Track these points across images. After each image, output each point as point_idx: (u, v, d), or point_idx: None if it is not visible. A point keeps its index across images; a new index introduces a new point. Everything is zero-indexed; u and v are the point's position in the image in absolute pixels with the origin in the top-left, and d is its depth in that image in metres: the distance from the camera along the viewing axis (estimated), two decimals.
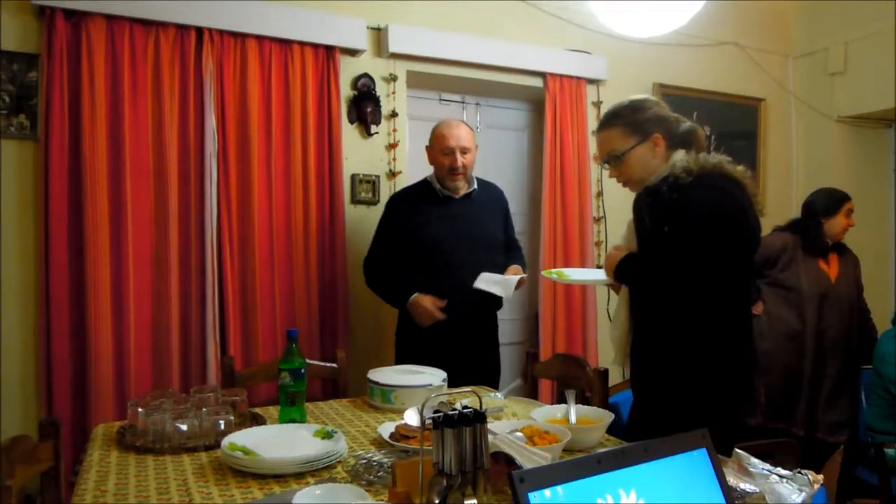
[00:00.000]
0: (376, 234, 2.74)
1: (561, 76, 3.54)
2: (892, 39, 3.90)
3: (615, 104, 1.97)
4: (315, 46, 2.95)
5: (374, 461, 1.52)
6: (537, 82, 3.53)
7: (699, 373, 1.80)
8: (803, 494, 1.09)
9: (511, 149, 3.79)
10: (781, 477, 1.16)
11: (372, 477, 1.44)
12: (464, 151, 2.59)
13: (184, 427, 1.69)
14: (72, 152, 2.54)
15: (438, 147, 2.62)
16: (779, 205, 4.32)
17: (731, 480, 1.07)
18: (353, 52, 3.08)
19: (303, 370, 1.83)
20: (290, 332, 1.86)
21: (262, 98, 2.85)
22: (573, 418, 1.72)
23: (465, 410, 1.19)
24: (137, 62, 2.64)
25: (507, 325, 3.57)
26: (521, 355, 2.61)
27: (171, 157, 2.68)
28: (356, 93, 3.09)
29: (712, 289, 1.76)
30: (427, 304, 2.54)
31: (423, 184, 2.73)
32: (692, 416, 1.69)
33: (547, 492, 0.73)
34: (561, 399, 1.94)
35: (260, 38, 2.85)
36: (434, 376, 2.13)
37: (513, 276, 2.58)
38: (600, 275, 2.14)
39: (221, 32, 2.77)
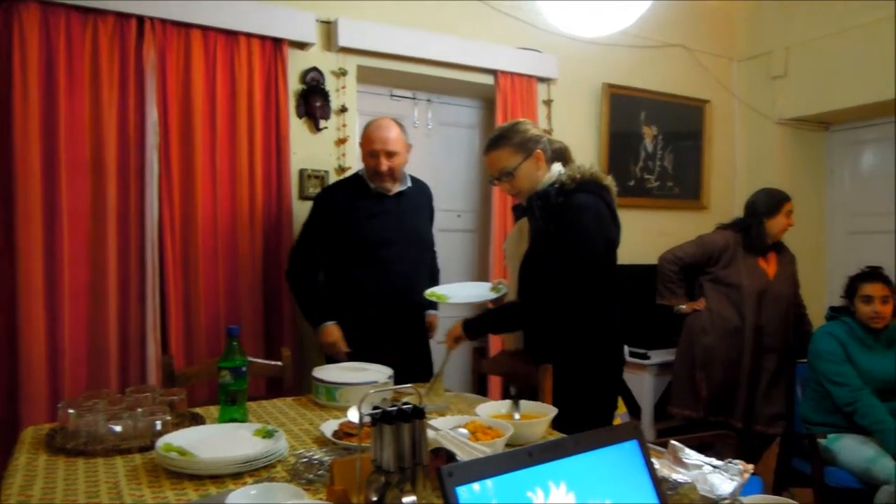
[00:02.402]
0: (305, 227, 2.70)
1: (512, 74, 3.56)
2: (831, 46, 4.05)
3: (498, 128, 2.24)
4: (262, 39, 2.89)
5: (315, 459, 1.50)
6: (488, 80, 3.54)
7: (575, 356, 2.08)
8: (734, 483, 1.12)
9: (462, 146, 3.79)
10: (714, 467, 1.18)
11: (312, 476, 1.42)
12: (390, 155, 2.56)
13: (118, 428, 1.64)
14: (1, 145, 2.43)
15: (365, 148, 2.61)
16: (722, 203, 4.45)
17: (665, 471, 1.08)
18: (301, 46, 3.03)
19: (244, 368, 1.79)
20: (230, 329, 1.81)
21: (207, 91, 2.78)
22: (517, 414, 1.72)
23: (404, 407, 1.18)
24: (74, 52, 2.55)
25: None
26: (469, 352, 2.61)
27: (109, 150, 2.59)
28: (305, 87, 3.05)
29: (590, 280, 2.04)
30: (337, 338, 2.58)
31: (356, 179, 2.70)
32: (573, 397, 1.99)
33: (476, 486, 0.73)
34: (508, 395, 1.96)
35: (205, 29, 2.78)
36: (380, 373, 2.11)
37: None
38: (483, 293, 2.35)
39: (164, 22, 2.69)
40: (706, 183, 4.42)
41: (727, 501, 1.09)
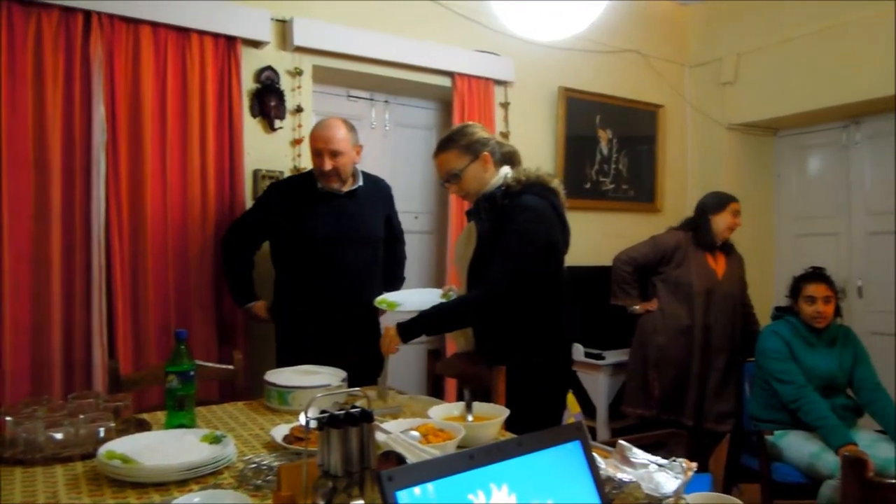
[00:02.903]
0: (249, 212, 2.75)
1: (469, 76, 3.57)
2: (778, 54, 4.17)
3: (446, 131, 2.27)
4: (215, 36, 2.84)
5: (264, 465, 1.48)
6: (446, 82, 3.54)
7: (524, 357, 2.10)
8: (678, 482, 1.14)
9: (420, 148, 3.79)
10: (660, 466, 1.20)
11: (260, 481, 1.39)
12: (334, 154, 2.55)
13: (59, 436, 1.58)
14: None
15: (311, 148, 2.60)
16: (675, 205, 4.54)
17: (611, 471, 1.10)
18: (256, 44, 2.99)
19: (192, 373, 1.75)
20: (178, 332, 1.77)
21: (157, 88, 2.72)
22: (470, 416, 1.72)
23: (352, 410, 1.17)
24: (16, 46, 2.46)
25: None
26: (423, 355, 2.61)
27: (53, 147, 2.51)
28: (259, 86, 3.00)
29: (536, 280, 2.06)
30: (261, 314, 2.73)
31: (308, 176, 2.68)
32: (524, 398, 2.01)
33: (416, 489, 0.72)
34: (462, 397, 1.95)
35: (155, 25, 2.71)
36: (333, 376, 2.09)
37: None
38: (434, 300, 2.34)
39: (112, 17, 2.62)
40: (660, 186, 4.50)
41: (671, 499, 1.11)
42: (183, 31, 2.77)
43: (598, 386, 3.58)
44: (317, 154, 2.57)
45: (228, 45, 2.87)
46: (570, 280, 3.78)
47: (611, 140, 4.27)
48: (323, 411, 1.18)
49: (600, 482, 0.88)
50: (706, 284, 3.23)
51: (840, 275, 4.13)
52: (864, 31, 3.74)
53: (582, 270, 3.78)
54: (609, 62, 4.24)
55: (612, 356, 3.55)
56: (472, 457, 0.78)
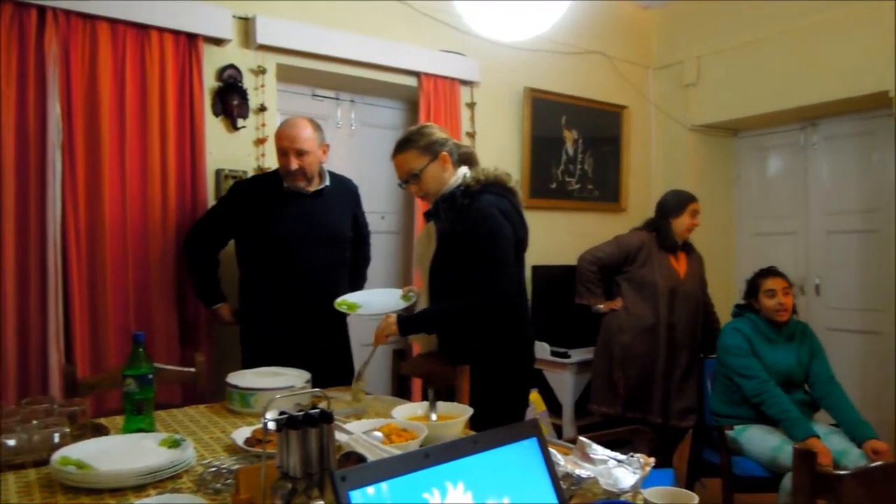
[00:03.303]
0: (212, 211, 2.71)
1: (435, 76, 3.57)
2: (738, 57, 4.26)
3: (405, 131, 2.28)
4: (176, 34, 2.79)
5: (224, 468, 1.46)
6: (412, 81, 3.54)
7: (488, 355, 2.11)
8: (636, 477, 1.15)
9: (386, 147, 3.69)
10: (619, 461, 1.22)
11: (219, 485, 1.37)
12: (300, 153, 2.53)
13: (11, 442, 1.54)
14: None
15: (277, 147, 2.58)
16: (639, 205, 4.60)
17: (570, 467, 1.11)
18: (218, 42, 2.95)
19: (150, 376, 1.72)
20: (136, 335, 1.74)
21: (115, 86, 2.66)
22: (434, 415, 1.72)
23: (312, 411, 1.16)
24: None
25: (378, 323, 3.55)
26: (389, 354, 2.60)
27: (7, 147, 2.44)
28: (221, 84, 2.96)
29: (498, 276, 2.07)
30: (226, 317, 2.71)
31: (273, 176, 2.66)
32: (487, 397, 2.01)
33: (370, 489, 0.72)
34: (427, 397, 1.95)
35: (113, 22, 2.65)
36: (297, 378, 2.07)
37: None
38: (395, 302, 2.38)
39: (67, 13, 2.55)
40: (624, 186, 4.56)
41: (629, 494, 1.13)
42: (142, 28, 2.71)
43: (564, 384, 3.61)
44: (282, 153, 2.55)
45: (189, 42, 2.82)
46: (537, 279, 3.84)
47: (576, 140, 4.31)
48: (282, 413, 1.17)
49: (557, 478, 0.88)
50: (670, 284, 3.28)
51: (798, 273, 4.23)
52: (820, 36, 3.84)
53: (548, 269, 3.82)
54: (574, 63, 4.28)
55: (578, 355, 3.59)
56: (428, 455, 0.78)
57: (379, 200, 3.69)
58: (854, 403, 2.81)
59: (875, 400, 3.85)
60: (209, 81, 2.94)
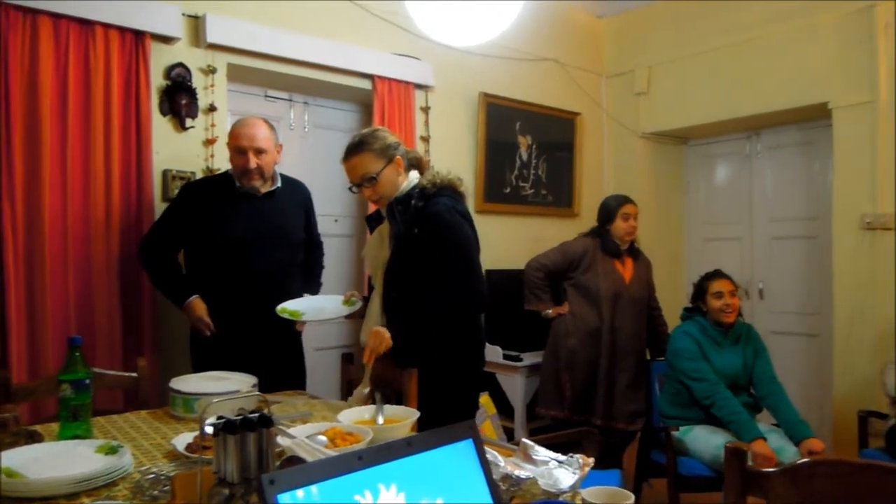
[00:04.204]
0: (163, 217, 2.61)
1: (389, 79, 3.57)
2: (687, 67, 4.37)
3: (357, 134, 2.24)
4: (122, 30, 2.72)
5: (163, 475, 1.42)
6: (366, 84, 3.53)
7: (440, 359, 2.13)
8: (575, 477, 1.17)
9: (340, 150, 3.68)
10: (559, 462, 1.23)
11: (157, 492, 1.34)
12: (259, 152, 2.51)
13: None
14: None
15: (232, 146, 2.54)
16: (592, 210, 4.63)
17: (509, 468, 1.11)
18: (166, 40, 2.89)
19: (87, 381, 1.67)
20: (71, 339, 1.69)
21: (57, 83, 2.58)
22: (381, 419, 1.71)
23: (251, 415, 1.14)
24: None
25: (329, 328, 3.54)
26: (336, 358, 2.58)
27: None
28: (169, 83, 2.90)
29: (474, 275, 2.12)
30: (202, 312, 2.50)
31: (224, 177, 2.62)
32: (438, 400, 2.04)
33: (300, 492, 0.71)
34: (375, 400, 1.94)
35: (55, 17, 2.58)
36: (242, 382, 2.04)
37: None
38: (338, 308, 2.38)
39: (6, 6, 2.47)
40: (577, 191, 4.63)
41: (567, 494, 1.14)
42: (86, 24, 2.64)
43: (516, 387, 3.64)
44: (240, 152, 2.51)
45: (136, 39, 2.76)
46: (490, 283, 3.85)
47: (530, 146, 4.35)
48: (221, 417, 1.15)
49: (492, 479, 0.89)
50: (613, 288, 3.34)
51: (743, 277, 4.36)
52: (765, 49, 3.97)
53: (501, 273, 3.84)
54: (529, 70, 4.32)
55: (530, 358, 3.62)
56: (361, 458, 0.78)
57: (333, 203, 3.67)
58: (795, 403, 2.91)
59: (815, 399, 3.99)
60: (157, 80, 2.88)
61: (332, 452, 1.32)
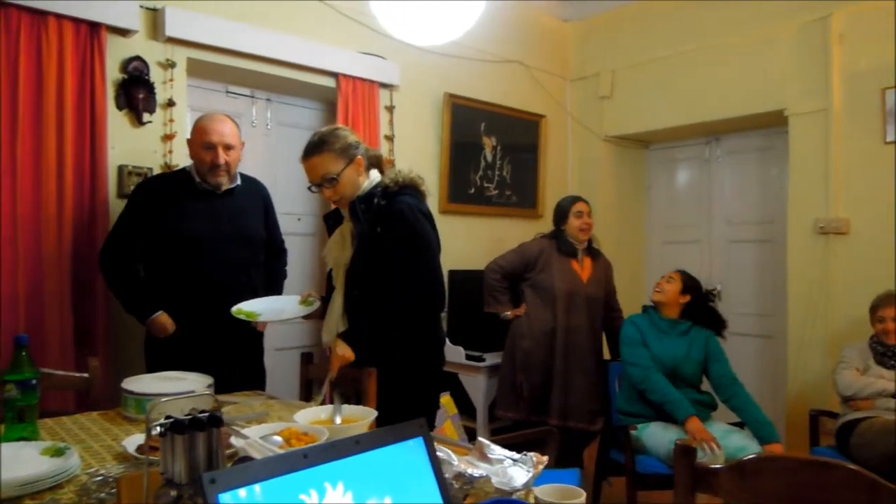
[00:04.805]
0: (120, 222, 2.53)
1: (354, 78, 3.54)
2: (650, 72, 4.44)
3: (317, 133, 2.21)
4: (76, 22, 2.65)
5: (111, 477, 1.39)
6: (330, 82, 3.50)
7: (401, 358, 2.13)
8: (529, 475, 1.17)
9: (302, 148, 3.70)
10: (514, 460, 1.23)
11: (104, 494, 1.31)
12: (227, 148, 2.48)
13: None
14: None
15: (199, 141, 2.49)
16: None
17: (463, 467, 1.11)
18: (123, 32, 2.82)
19: (34, 381, 1.62)
20: (17, 338, 1.63)
21: (7, 74, 2.50)
22: (338, 419, 1.70)
23: (200, 414, 1.12)
24: None
25: (289, 328, 3.50)
26: (295, 358, 2.56)
27: None
28: (126, 77, 2.83)
29: (435, 274, 2.11)
30: (169, 331, 2.46)
31: (182, 174, 2.57)
32: (398, 399, 2.03)
33: (242, 491, 0.70)
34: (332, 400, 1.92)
35: (6, 6, 2.50)
36: (198, 382, 2.00)
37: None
38: (294, 308, 2.37)
39: None
40: (542, 193, 4.66)
41: (521, 492, 1.14)
42: (39, 14, 2.56)
43: (478, 387, 3.64)
44: (208, 147, 2.46)
45: (91, 31, 2.69)
46: (454, 284, 3.86)
47: (495, 147, 4.37)
48: (169, 417, 1.12)
49: (443, 477, 0.88)
50: (568, 288, 3.38)
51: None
52: (725, 56, 4.05)
53: (465, 274, 3.85)
54: (494, 72, 4.34)
55: (492, 358, 3.63)
56: (307, 456, 0.77)
57: (295, 202, 3.63)
58: None
59: (769, 399, 4.08)
60: (113, 73, 2.81)
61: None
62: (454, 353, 3.64)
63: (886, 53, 3.43)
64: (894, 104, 3.40)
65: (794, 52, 3.76)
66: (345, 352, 2.05)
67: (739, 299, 4.40)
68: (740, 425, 2.93)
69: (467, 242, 4.14)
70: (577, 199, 3.51)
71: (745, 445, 2.73)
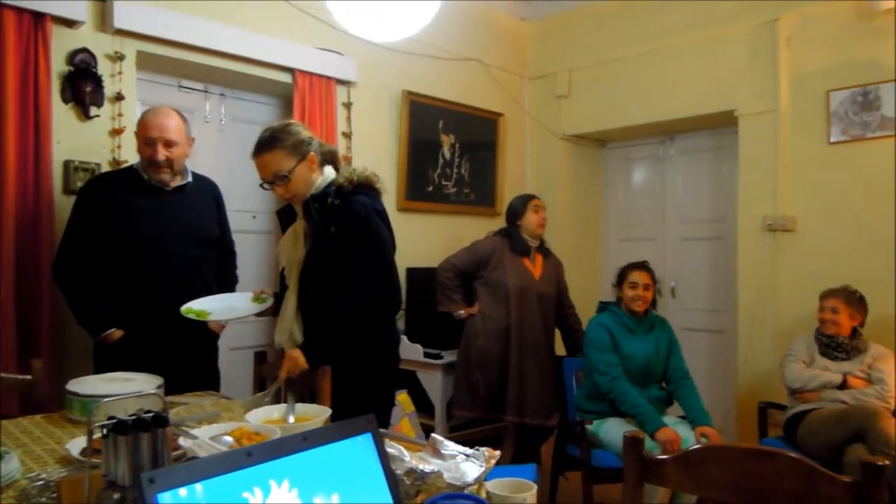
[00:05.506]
0: (70, 223, 2.45)
1: (311, 74, 3.50)
2: (606, 72, 4.50)
3: (269, 128, 2.13)
4: (19, 11, 2.56)
5: (52, 481, 1.34)
6: (286, 78, 3.45)
7: (356, 357, 2.11)
8: (482, 470, 1.18)
9: None
10: (467, 456, 1.24)
11: (44, 498, 1.26)
12: (168, 144, 2.42)
13: None
14: None
15: (140, 136, 2.44)
16: None
17: (415, 462, 1.11)
18: (69, 23, 2.73)
19: None
20: None
21: None
22: (291, 418, 1.67)
23: (145, 415, 1.09)
24: None
25: (243, 327, 3.44)
26: (249, 357, 2.51)
27: None
28: (72, 69, 2.74)
29: (389, 274, 2.09)
30: (116, 337, 2.40)
31: (129, 171, 2.51)
32: (353, 398, 2.01)
33: (182, 491, 0.68)
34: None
35: None
36: (147, 383, 1.95)
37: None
38: (247, 306, 2.33)
39: None
40: (500, 190, 4.68)
41: (473, 486, 1.15)
42: None
43: (436, 385, 3.65)
44: (148, 143, 2.40)
45: (35, 21, 2.60)
46: (411, 281, 3.86)
47: (453, 145, 4.38)
48: (111, 418, 1.09)
49: (392, 473, 0.88)
50: (520, 284, 3.41)
51: (657, 276, 4.51)
52: (678, 57, 4.14)
53: (423, 272, 3.85)
54: (453, 70, 4.34)
55: (449, 356, 3.64)
56: (251, 454, 0.75)
57: (250, 199, 3.57)
58: (703, 396, 3.05)
59: (720, 392, 4.19)
60: (59, 66, 2.72)
61: None
62: (412, 351, 3.63)
63: (831, 57, 3.54)
64: (838, 106, 3.52)
65: (744, 55, 3.86)
66: (297, 357, 2.01)
67: (692, 295, 4.50)
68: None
69: (425, 240, 4.13)
70: (532, 196, 3.56)
71: (686, 436, 2.80)
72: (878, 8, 3.31)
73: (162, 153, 2.40)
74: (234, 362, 3.24)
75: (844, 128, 3.50)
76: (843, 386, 2.97)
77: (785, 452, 1.08)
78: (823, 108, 3.57)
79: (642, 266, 3.14)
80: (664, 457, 1.10)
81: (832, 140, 3.54)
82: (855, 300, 3.08)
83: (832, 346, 3.08)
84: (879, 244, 3.38)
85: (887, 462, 1.04)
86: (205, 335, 2.59)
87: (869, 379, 2.98)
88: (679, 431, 2.79)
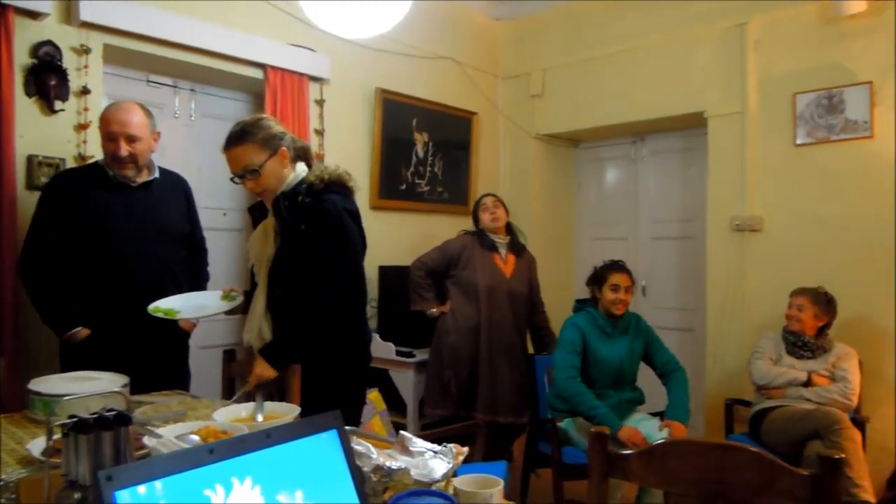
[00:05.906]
0: (35, 221, 2.40)
1: (282, 70, 3.47)
2: (579, 72, 4.54)
3: (240, 122, 2.12)
4: None
5: (12, 482, 1.31)
6: (257, 73, 3.42)
7: (326, 355, 2.10)
8: (449, 466, 1.18)
9: None
10: (435, 452, 1.24)
11: (3, 499, 1.24)
12: (131, 140, 2.38)
13: None
14: None
15: (103, 131, 2.40)
16: None
17: (382, 459, 1.11)
18: (33, 15, 2.67)
19: None
20: None
21: None
22: (260, 416, 1.66)
23: (107, 413, 1.07)
24: None
25: (213, 325, 3.40)
26: (218, 355, 2.49)
27: None
28: (36, 62, 2.68)
29: (355, 275, 2.09)
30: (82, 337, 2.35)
31: (94, 167, 2.47)
32: (323, 396, 1.98)
33: (141, 488, 0.67)
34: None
35: None
36: (112, 382, 1.92)
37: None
38: (216, 304, 2.32)
39: None
40: (473, 189, 4.69)
41: (441, 483, 1.15)
42: None
43: (408, 383, 3.64)
44: (110, 138, 2.36)
45: None
46: (384, 279, 3.85)
47: (427, 143, 4.37)
48: (72, 416, 1.07)
49: (357, 470, 0.88)
50: (491, 282, 3.43)
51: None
52: (649, 59, 4.19)
53: (395, 270, 3.84)
54: (427, 68, 4.34)
55: (422, 354, 3.63)
56: (212, 451, 0.75)
57: (221, 196, 3.53)
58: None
59: (690, 388, 4.21)
60: (22, 58, 2.66)
61: None
62: (384, 349, 3.63)
63: (798, 60, 3.62)
64: (804, 109, 3.59)
65: (713, 57, 3.92)
66: (263, 370, 2.00)
67: (663, 294, 4.56)
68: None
69: (399, 238, 4.13)
70: (484, 195, 3.63)
71: (650, 434, 2.81)
72: (843, 12, 3.38)
73: (124, 149, 2.35)
74: (203, 361, 3.20)
75: (810, 130, 3.58)
76: (807, 383, 3.04)
77: (746, 447, 1.10)
78: (790, 110, 3.64)
79: (622, 268, 3.10)
80: (628, 451, 1.12)
81: (798, 142, 3.62)
82: (822, 301, 3.14)
83: (798, 344, 3.14)
84: (843, 244, 3.46)
85: (843, 456, 1.07)
86: (175, 334, 2.55)
87: (833, 377, 3.04)
88: (642, 429, 2.81)
